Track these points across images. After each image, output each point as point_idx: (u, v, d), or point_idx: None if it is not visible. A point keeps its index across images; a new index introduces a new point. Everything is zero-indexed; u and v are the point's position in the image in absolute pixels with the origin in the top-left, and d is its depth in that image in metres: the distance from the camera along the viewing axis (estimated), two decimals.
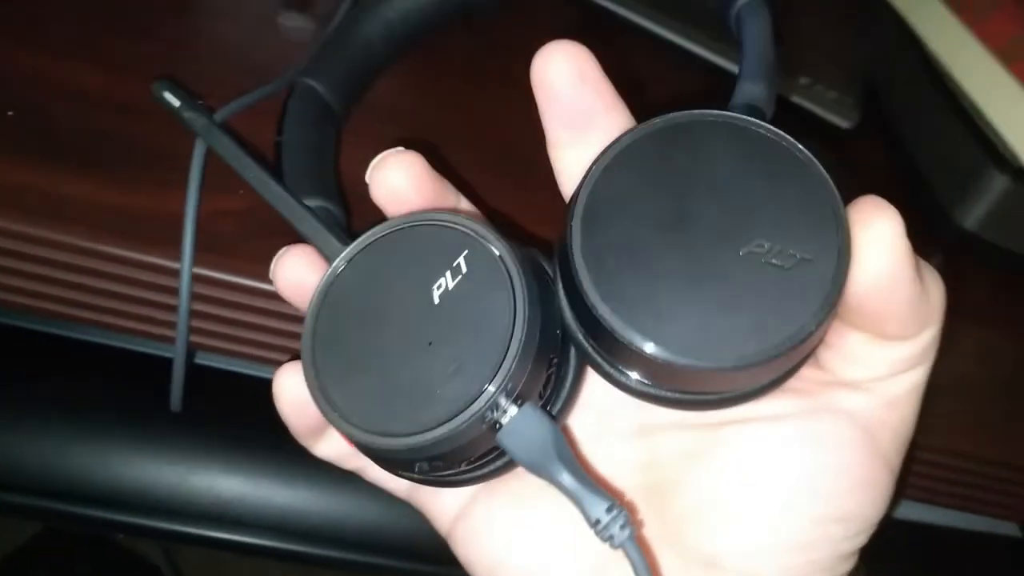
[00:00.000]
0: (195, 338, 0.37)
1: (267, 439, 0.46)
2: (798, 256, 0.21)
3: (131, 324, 0.36)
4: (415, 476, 0.25)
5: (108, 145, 0.37)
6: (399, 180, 0.25)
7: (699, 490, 0.25)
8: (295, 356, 0.25)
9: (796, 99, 0.57)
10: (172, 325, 0.35)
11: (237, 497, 0.45)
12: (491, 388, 0.21)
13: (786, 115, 0.57)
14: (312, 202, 0.34)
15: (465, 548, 0.28)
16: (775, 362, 0.21)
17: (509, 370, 0.21)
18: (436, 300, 0.23)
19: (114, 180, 0.36)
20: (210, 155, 0.35)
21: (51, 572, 0.69)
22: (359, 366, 0.23)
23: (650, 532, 0.26)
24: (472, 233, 0.23)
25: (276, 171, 0.35)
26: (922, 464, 0.43)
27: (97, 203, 0.35)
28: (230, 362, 0.45)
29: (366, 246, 0.25)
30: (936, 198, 0.55)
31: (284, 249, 0.26)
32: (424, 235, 0.24)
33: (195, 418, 0.44)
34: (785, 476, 0.24)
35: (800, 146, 0.22)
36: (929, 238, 0.54)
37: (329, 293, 0.24)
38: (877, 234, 0.21)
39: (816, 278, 0.21)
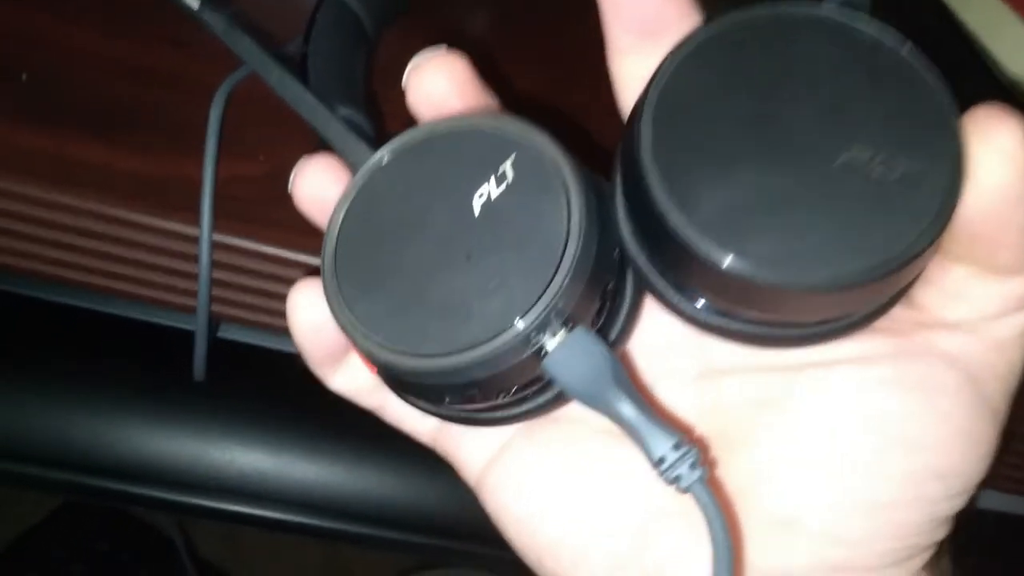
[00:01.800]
0: (216, 307, 0.36)
1: (290, 413, 0.46)
2: (905, 167, 0.18)
3: (150, 292, 0.36)
4: (444, 411, 0.23)
5: (124, 110, 0.36)
6: (440, 84, 0.22)
7: (774, 441, 0.22)
8: (314, 271, 0.22)
9: None
10: (192, 293, 0.35)
11: (258, 471, 0.44)
12: (538, 306, 0.19)
13: None
14: (341, 112, 0.33)
15: (496, 499, 0.25)
16: (876, 286, 0.18)
17: (560, 287, 0.19)
18: (477, 210, 0.20)
19: (130, 145, 0.35)
20: (227, 118, 0.34)
21: (69, 549, 0.69)
22: (386, 280, 0.20)
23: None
24: (520, 137, 0.20)
25: (303, 78, 0.32)
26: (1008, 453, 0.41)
27: (113, 168, 0.34)
28: (252, 335, 0.44)
29: (398, 150, 0.22)
30: None
31: (305, 157, 0.23)
32: (464, 139, 0.21)
33: (217, 391, 0.43)
34: (877, 424, 0.21)
35: (907, 43, 0.19)
36: None
37: (356, 200, 0.21)
38: (998, 145, 0.18)
39: (926, 191, 0.18)
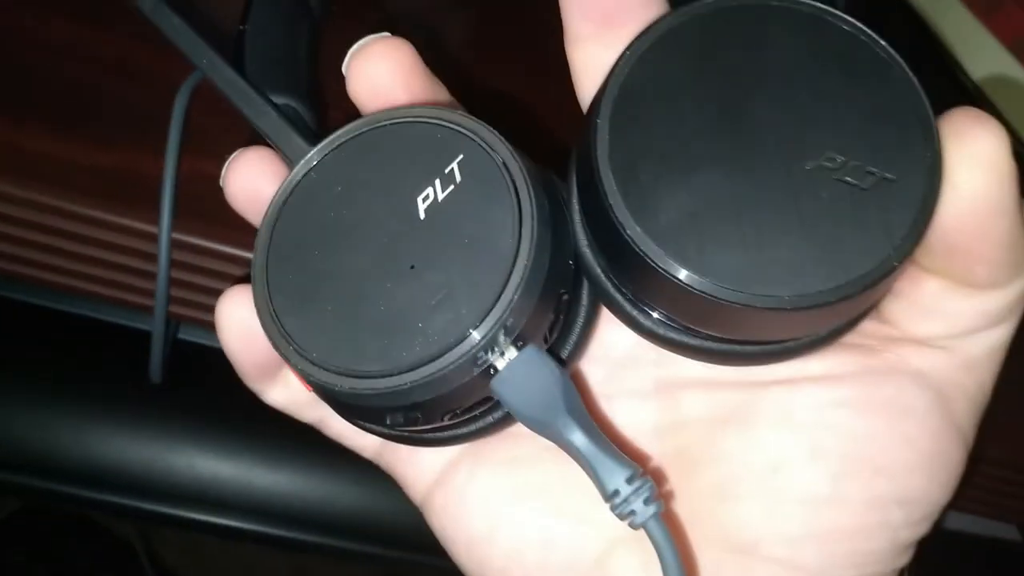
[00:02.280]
0: (176, 308, 0.35)
1: (251, 419, 0.45)
2: (878, 174, 0.17)
3: (109, 291, 0.35)
4: (387, 431, 0.21)
5: (84, 102, 0.35)
6: (383, 72, 0.20)
7: (731, 461, 0.21)
8: (245, 278, 0.20)
9: None
10: (151, 293, 0.34)
11: (217, 477, 0.43)
12: (487, 322, 0.17)
13: None
14: (276, 99, 0.31)
15: (443, 520, 0.23)
16: (844, 305, 0.17)
17: (510, 302, 0.17)
18: (422, 214, 0.18)
19: (91, 139, 0.34)
20: (190, 113, 0.34)
21: (30, 552, 0.67)
22: (322, 291, 0.19)
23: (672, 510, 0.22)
24: (469, 134, 0.19)
25: (237, 63, 0.30)
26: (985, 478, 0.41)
27: (71, 162, 0.33)
28: (214, 337, 0.43)
29: (337, 147, 0.20)
30: None
31: (238, 151, 0.22)
32: (409, 135, 0.19)
33: (176, 395, 0.42)
34: (837, 447, 0.20)
35: (882, 41, 0.18)
36: None
37: (290, 202, 0.20)
38: (977, 150, 0.17)
39: (900, 201, 0.17)
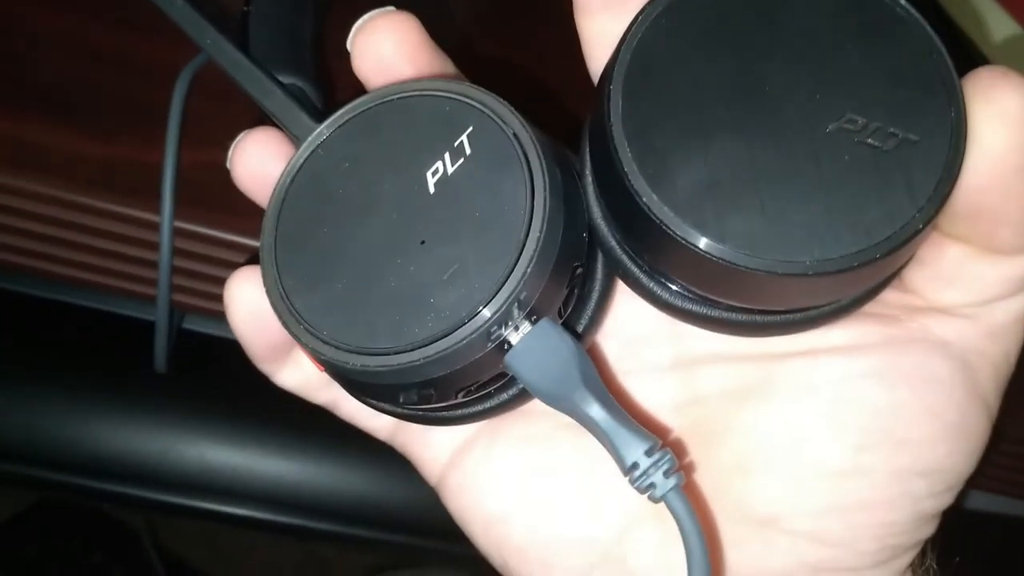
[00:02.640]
0: (179, 296, 0.35)
1: (257, 407, 0.45)
2: (900, 135, 0.16)
3: (112, 281, 0.35)
4: (401, 411, 0.21)
5: (86, 94, 0.35)
6: (388, 47, 0.20)
7: (751, 435, 0.20)
8: (253, 259, 0.20)
9: None
10: (153, 282, 0.34)
11: (227, 467, 0.44)
12: (500, 296, 0.17)
13: None
14: (282, 79, 0.31)
15: (459, 500, 0.23)
16: (867, 271, 0.16)
17: (523, 275, 0.17)
18: (431, 188, 0.18)
19: (92, 130, 0.34)
20: (190, 103, 0.33)
21: (42, 548, 0.68)
22: (332, 269, 0.18)
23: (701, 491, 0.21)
24: (479, 106, 0.18)
25: (242, 44, 0.29)
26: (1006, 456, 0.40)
27: (74, 153, 0.33)
28: (218, 326, 0.43)
29: (344, 123, 0.20)
30: None
31: (245, 132, 0.21)
32: (417, 109, 0.19)
33: (182, 385, 0.42)
34: (860, 419, 0.19)
35: (902, 2, 0.17)
36: None
37: (298, 179, 0.19)
38: (1002, 109, 0.16)
39: (924, 163, 0.16)
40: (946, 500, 0.21)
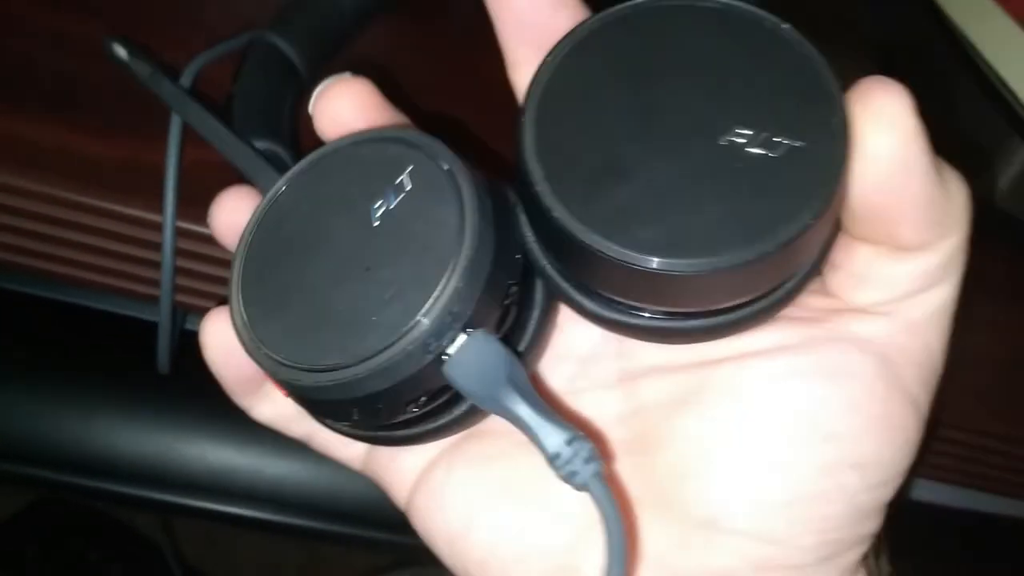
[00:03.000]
0: (182, 296, 0.35)
1: None
2: (787, 143, 0.18)
3: (114, 281, 0.35)
4: (362, 433, 0.22)
5: (87, 93, 0.35)
6: (344, 107, 0.22)
7: (688, 440, 0.22)
8: (223, 300, 0.22)
9: None
10: (156, 283, 0.34)
11: (228, 467, 0.43)
12: (434, 310, 0.18)
13: None
14: (259, 144, 0.33)
15: (424, 519, 0.24)
16: (768, 264, 0.18)
17: (455, 289, 0.18)
18: (376, 221, 0.20)
19: (94, 129, 0.34)
20: None
21: (42, 546, 0.68)
22: (289, 299, 0.20)
23: (637, 494, 0.22)
24: (418, 146, 0.20)
25: (227, 119, 0.33)
26: (945, 443, 0.41)
27: (74, 152, 0.33)
28: None
29: (300, 171, 0.22)
30: (955, 170, 0.53)
31: (223, 192, 0.24)
32: (365, 153, 0.21)
33: (185, 385, 0.42)
34: (787, 417, 0.20)
35: (784, 25, 0.19)
36: None
37: (261, 223, 0.21)
38: (881, 112, 0.18)
39: (810, 166, 0.18)
40: (882, 493, 0.21)
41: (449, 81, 0.43)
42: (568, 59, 0.20)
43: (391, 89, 0.23)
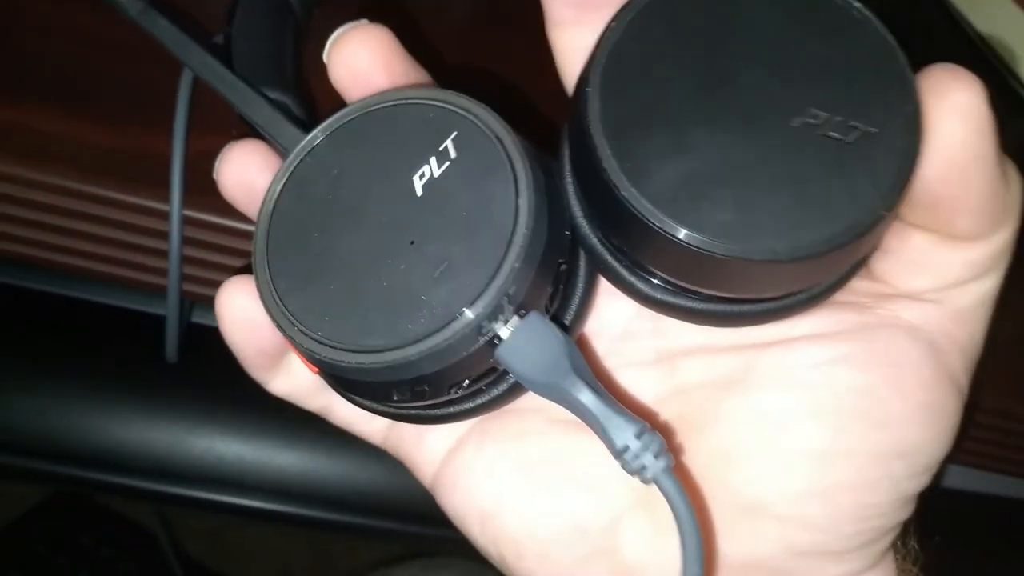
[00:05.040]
0: (188, 286, 0.35)
1: (268, 399, 0.45)
2: (861, 128, 0.17)
3: (120, 271, 0.35)
4: (394, 410, 0.21)
5: (92, 83, 0.35)
6: (363, 58, 0.21)
7: (734, 424, 0.21)
8: (244, 269, 0.20)
9: None
10: (164, 272, 0.34)
11: (236, 458, 0.43)
12: (489, 292, 0.17)
13: None
14: (270, 95, 0.32)
15: (453, 498, 0.23)
16: (836, 256, 0.17)
17: (512, 271, 0.17)
18: (419, 191, 0.19)
19: (98, 118, 0.34)
20: (197, 91, 0.33)
21: (52, 543, 0.68)
22: (323, 272, 0.19)
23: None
24: (462, 112, 0.19)
25: (227, 61, 0.30)
26: (980, 428, 0.41)
27: (81, 142, 0.33)
28: None
29: (331, 132, 0.20)
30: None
31: (229, 144, 0.22)
32: (402, 116, 0.20)
33: (192, 377, 0.42)
34: (836, 403, 0.20)
35: (857, 4, 0.18)
36: None
37: (287, 187, 0.20)
38: (955, 104, 0.17)
39: (884, 154, 0.17)
40: (924, 481, 0.21)
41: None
42: (633, 27, 0.19)
43: (407, 40, 0.22)
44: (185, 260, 0.33)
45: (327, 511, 0.45)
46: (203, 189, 0.33)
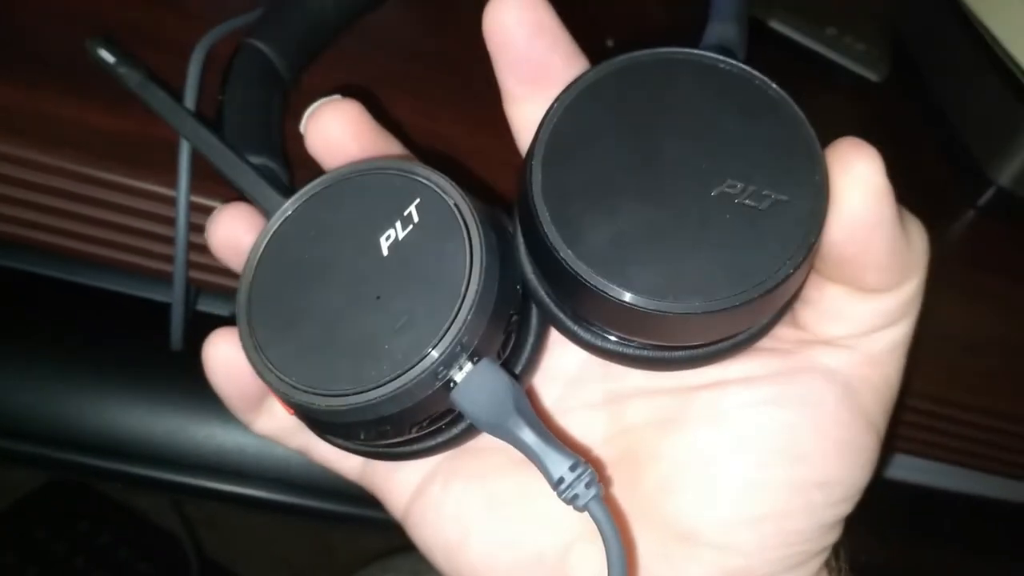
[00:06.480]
0: (194, 273, 0.35)
1: None
2: (773, 197, 0.20)
3: (126, 256, 0.34)
4: (364, 448, 0.23)
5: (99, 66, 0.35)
6: (335, 129, 0.24)
7: (671, 459, 0.23)
8: (228, 320, 0.23)
9: (823, 51, 0.55)
10: (169, 258, 0.33)
11: (236, 447, 0.43)
12: (444, 341, 0.20)
13: (813, 68, 0.55)
14: (253, 160, 0.32)
15: (422, 531, 0.26)
16: (751, 307, 0.19)
17: (464, 322, 0.20)
18: (385, 251, 0.21)
19: (105, 102, 0.34)
20: (205, 77, 0.33)
21: (52, 528, 0.68)
22: (299, 323, 0.21)
23: (623, 507, 0.24)
24: (424, 181, 0.22)
25: (217, 129, 0.33)
26: (953, 423, 0.41)
27: (88, 126, 0.33)
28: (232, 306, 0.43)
29: (308, 197, 0.23)
30: (969, 153, 0.53)
31: (220, 207, 0.25)
32: (371, 184, 0.22)
33: (196, 365, 0.42)
34: (760, 439, 0.22)
35: (773, 85, 0.21)
36: (962, 195, 0.52)
37: (268, 247, 0.22)
38: (857, 174, 0.20)
39: (793, 219, 0.19)
40: (844, 509, 0.23)
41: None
42: (572, 107, 0.21)
43: (376, 111, 0.24)
44: (191, 247, 0.33)
45: (327, 501, 0.45)
46: (210, 174, 0.33)
